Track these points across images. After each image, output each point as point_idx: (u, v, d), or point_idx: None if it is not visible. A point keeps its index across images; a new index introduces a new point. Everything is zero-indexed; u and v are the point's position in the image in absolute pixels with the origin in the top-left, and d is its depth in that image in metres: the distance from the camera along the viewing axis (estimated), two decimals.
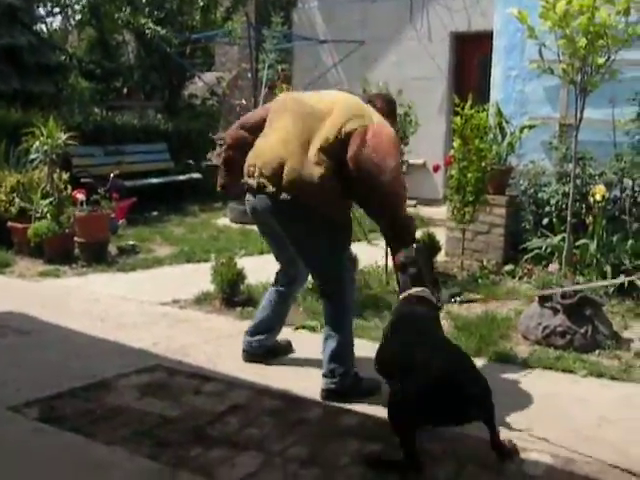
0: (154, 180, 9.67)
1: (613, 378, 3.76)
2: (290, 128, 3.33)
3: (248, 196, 3.52)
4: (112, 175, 8.27)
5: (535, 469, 2.75)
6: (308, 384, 3.54)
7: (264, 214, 3.44)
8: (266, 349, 3.91)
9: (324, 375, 3.42)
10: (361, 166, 3.20)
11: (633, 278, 4.75)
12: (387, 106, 3.77)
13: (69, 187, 6.95)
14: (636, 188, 5.85)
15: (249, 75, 10.99)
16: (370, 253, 6.20)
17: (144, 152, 10.10)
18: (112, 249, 6.89)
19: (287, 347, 4.08)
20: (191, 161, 10.50)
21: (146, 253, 6.95)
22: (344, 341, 3.43)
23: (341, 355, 3.41)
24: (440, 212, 8.13)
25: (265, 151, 3.38)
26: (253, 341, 3.89)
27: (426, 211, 9.17)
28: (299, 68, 11.48)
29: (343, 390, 3.37)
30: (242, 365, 3.84)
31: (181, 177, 10.17)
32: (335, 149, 3.24)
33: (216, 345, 4.19)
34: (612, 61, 4.96)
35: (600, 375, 3.78)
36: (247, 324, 4.59)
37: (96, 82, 12.05)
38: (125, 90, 12.05)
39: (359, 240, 7.32)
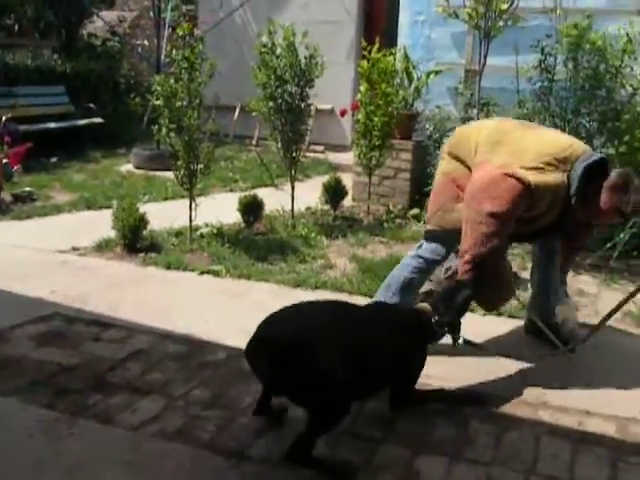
0: (52, 124, 9.16)
1: (511, 316, 3.90)
2: None
3: None
4: (4, 118, 7.78)
5: (436, 405, 2.82)
6: (212, 327, 3.51)
7: None
8: None
9: None
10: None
11: None
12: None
13: None
14: None
15: (151, 14, 10.51)
16: (277, 197, 6.16)
17: (40, 95, 9.53)
18: (6, 197, 6.51)
19: None
20: (92, 105, 10.03)
21: (44, 200, 6.63)
22: None
23: None
24: (348, 158, 8.13)
25: None
26: None
27: (334, 157, 9.17)
28: (204, 8, 11.08)
29: None
30: (144, 311, 3.74)
31: (81, 121, 9.68)
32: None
33: (117, 292, 4.06)
34: (515, 7, 5.03)
35: (499, 313, 3.90)
36: (150, 270, 4.53)
37: None
38: (17, 27, 11.26)
39: (266, 185, 7.27)
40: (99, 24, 12.19)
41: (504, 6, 5.07)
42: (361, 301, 3.98)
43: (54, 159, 8.72)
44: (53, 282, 4.20)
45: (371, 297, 4.07)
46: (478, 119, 5.32)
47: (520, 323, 3.76)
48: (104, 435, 2.51)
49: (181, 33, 4.99)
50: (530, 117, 5.91)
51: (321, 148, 9.42)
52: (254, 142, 9.93)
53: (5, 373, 2.99)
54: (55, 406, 2.71)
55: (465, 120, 6.31)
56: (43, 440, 2.47)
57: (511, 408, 2.82)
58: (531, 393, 2.94)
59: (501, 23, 5.20)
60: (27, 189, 6.80)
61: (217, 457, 2.39)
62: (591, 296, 4.32)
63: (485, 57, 5.25)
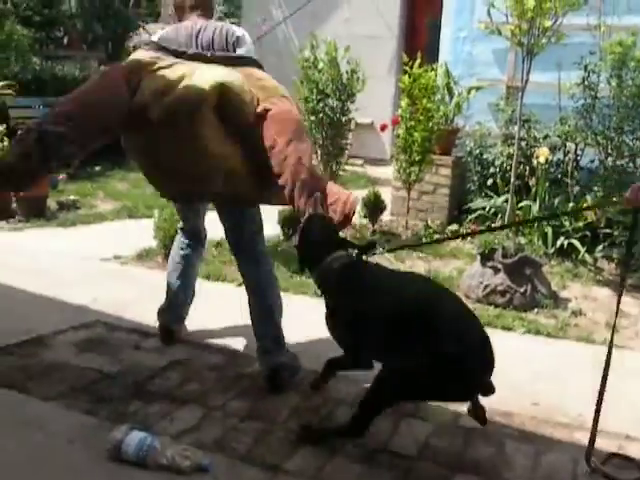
0: None
1: (550, 335, 3.86)
2: None
3: None
4: None
5: (472, 422, 2.81)
6: (249, 339, 3.52)
7: None
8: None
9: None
10: None
11: None
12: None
13: (6, 140, 6.67)
14: (578, 152, 5.96)
15: None
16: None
17: None
18: (52, 204, 6.69)
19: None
20: None
21: (87, 208, 6.78)
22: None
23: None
24: (387, 172, 8.12)
25: None
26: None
27: (373, 171, 9.18)
28: (247, 22, 11.22)
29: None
30: None
31: None
32: None
33: (157, 301, 4.10)
34: (559, 24, 4.99)
35: (537, 332, 3.88)
36: None
37: (35, 30, 11.51)
38: (66, 40, 11.55)
39: None
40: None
41: (548, 23, 5.03)
42: None
43: (98, 168, 8.90)
44: (95, 289, 4.28)
45: None
46: (519, 136, 5.29)
47: None
48: None
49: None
50: (572, 134, 5.86)
51: (360, 162, 9.44)
52: None
53: (47, 379, 3.05)
54: (96, 413, 2.76)
55: (506, 137, 6.28)
56: (83, 446, 2.51)
57: (548, 429, 2.79)
58: (568, 414, 2.91)
59: (544, 40, 5.16)
60: (72, 197, 6.96)
61: (253, 469, 2.41)
62: (632, 317, 4.25)
63: (528, 74, 5.21)
